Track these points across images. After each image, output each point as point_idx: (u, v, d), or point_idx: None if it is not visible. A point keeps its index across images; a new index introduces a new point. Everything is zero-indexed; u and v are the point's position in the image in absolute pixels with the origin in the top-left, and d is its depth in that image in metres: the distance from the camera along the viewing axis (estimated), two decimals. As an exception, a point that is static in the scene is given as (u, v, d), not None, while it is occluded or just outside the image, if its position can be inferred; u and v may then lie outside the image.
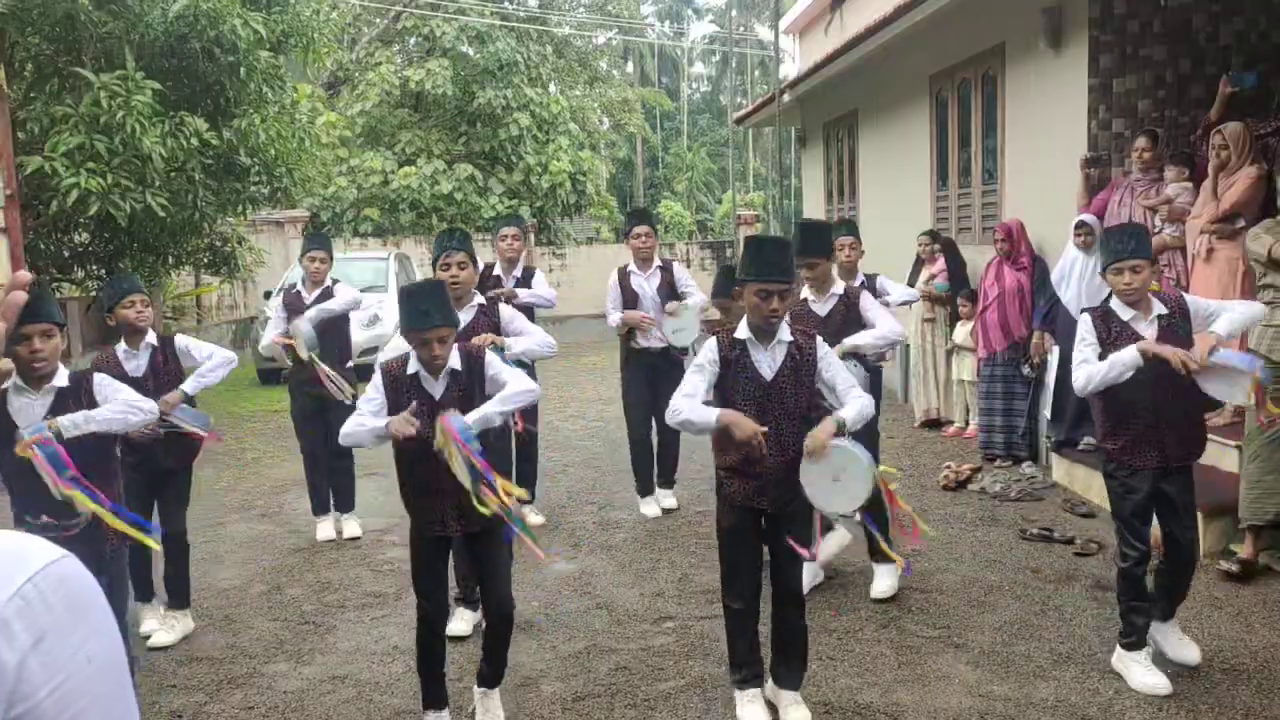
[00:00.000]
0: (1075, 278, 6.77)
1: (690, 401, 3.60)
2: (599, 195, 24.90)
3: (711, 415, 3.55)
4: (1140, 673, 3.97)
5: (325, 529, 6.34)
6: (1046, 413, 7.17)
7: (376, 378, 3.69)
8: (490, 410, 3.55)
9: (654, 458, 6.75)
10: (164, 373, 4.66)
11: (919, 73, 9.65)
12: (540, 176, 21.74)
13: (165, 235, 11.09)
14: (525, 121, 21.50)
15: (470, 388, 3.67)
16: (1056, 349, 7.02)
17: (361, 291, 14.79)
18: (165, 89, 9.66)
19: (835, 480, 3.58)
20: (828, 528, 5.05)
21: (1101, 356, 3.85)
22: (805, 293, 4.93)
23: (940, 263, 8.60)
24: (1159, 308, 3.89)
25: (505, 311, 5.08)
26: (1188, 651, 4.08)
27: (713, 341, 3.68)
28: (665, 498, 6.74)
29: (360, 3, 23.50)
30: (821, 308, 4.88)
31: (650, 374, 6.51)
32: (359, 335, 13.64)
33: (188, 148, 9.58)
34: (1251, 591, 4.91)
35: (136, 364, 4.61)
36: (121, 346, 4.66)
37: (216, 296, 17.80)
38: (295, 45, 11.19)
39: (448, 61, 21.37)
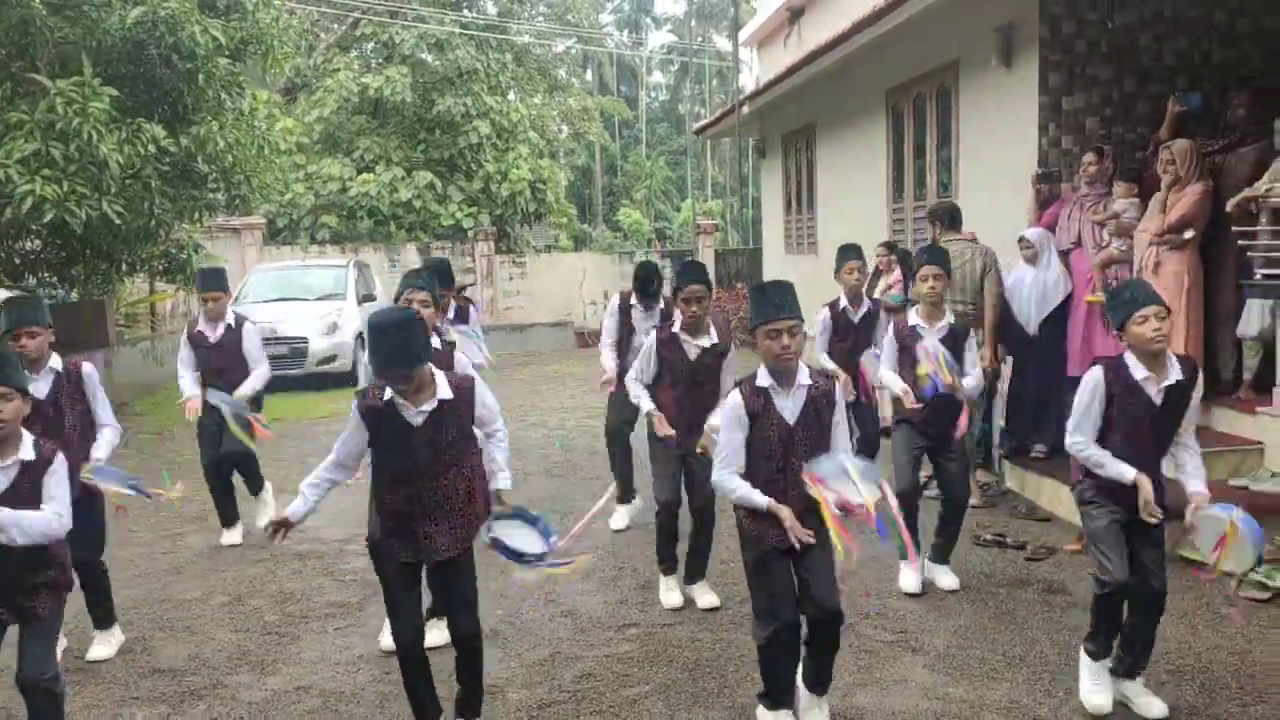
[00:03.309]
0: (1025, 291, 6.94)
1: (739, 481, 3.67)
2: (558, 203, 24.93)
3: (761, 501, 3.63)
4: (1088, 685, 4.00)
5: (232, 535, 6.56)
6: (1000, 422, 7.33)
7: (353, 413, 3.62)
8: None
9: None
10: (67, 399, 4.54)
11: (876, 86, 9.83)
12: (500, 184, 21.73)
13: (120, 242, 10.96)
14: (485, 129, 21.49)
15: (452, 420, 3.64)
16: (1010, 359, 7.18)
17: (320, 300, 14.76)
18: (123, 95, 9.57)
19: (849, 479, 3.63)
20: None
21: (1108, 411, 3.81)
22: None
23: (897, 273, 8.75)
24: (1175, 373, 3.79)
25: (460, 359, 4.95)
26: (1154, 708, 3.90)
27: (736, 396, 3.70)
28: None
29: (318, 9, 23.36)
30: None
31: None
32: (318, 343, 13.69)
33: (145, 154, 9.51)
34: (1195, 595, 5.07)
35: (40, 388, 4.45)
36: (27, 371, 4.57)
37: (170, 304, 17.59)
38: (254, 52, 11.14)
39: (407, 69, 21.31)
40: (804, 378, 3.70)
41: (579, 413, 11.07)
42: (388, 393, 3.56)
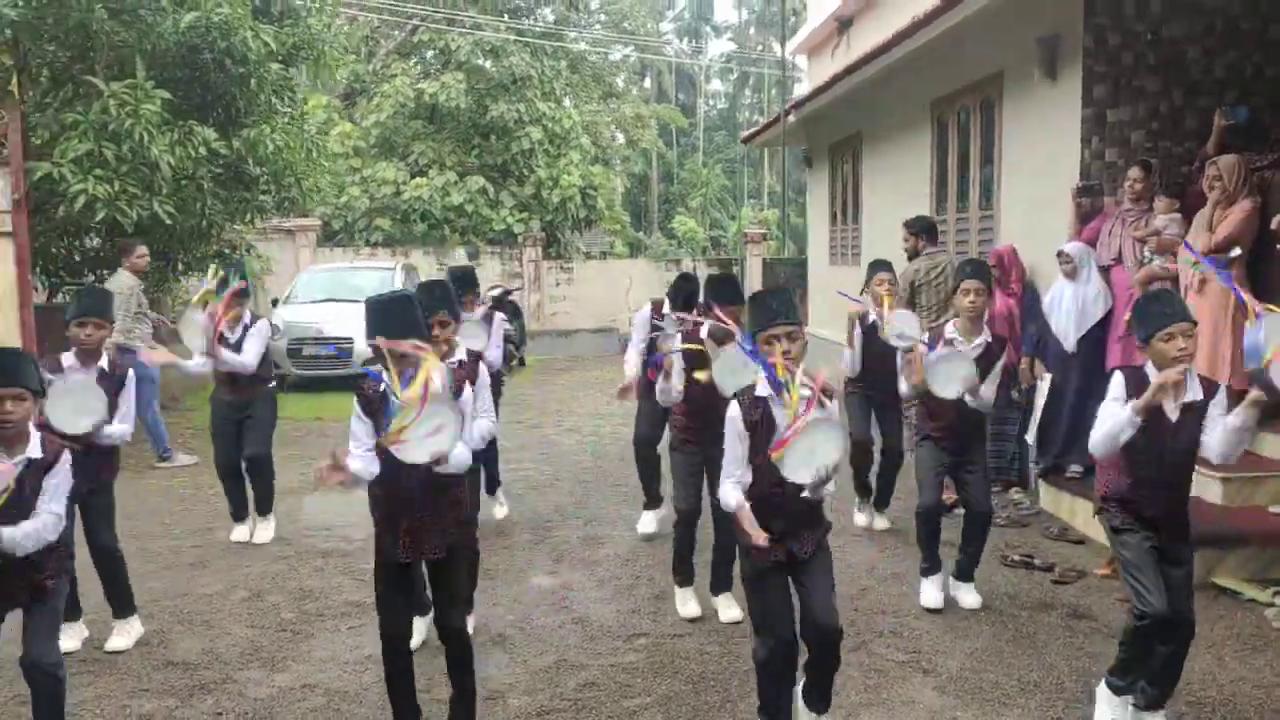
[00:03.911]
0: (1064, 306, 6.80)
1: (730, 489, 3.60)
2: (610, 210, 25.01)
3: (734, 501, 3.58)
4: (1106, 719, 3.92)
5: (240, 532, 6.64)
6: (1031, 439, 7.17)
7: (355, 405, 3.68)
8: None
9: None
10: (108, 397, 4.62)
11: (921, 98, 9.71)
12: (551, 190, 21.85)
13: (174, 242, 11.21)
14: (537, 135, 21.64)
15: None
16: (1047, 375, 7.03)
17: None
18: (176, 98, 9.80)
19: (811, 453, 3.55)
20: None
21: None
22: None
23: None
24: (1194, 391, 3.70)
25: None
26: None
27: (735, 409, 3.63)
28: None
29: (378, 16, 23.73)
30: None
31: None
32: (362, 344, 13.81)
33: (196, 156, 9.72)
34: (1225, 625, 4.91)
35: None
36: (70, 358, 4.69)
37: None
38: (305, 58, 11.34)
39: (462, 75, 21.54)
40: (803, 390, 3.61)
41: (614, 419, 11.07)
42: (383, 386, 3.61)
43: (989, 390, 5.09)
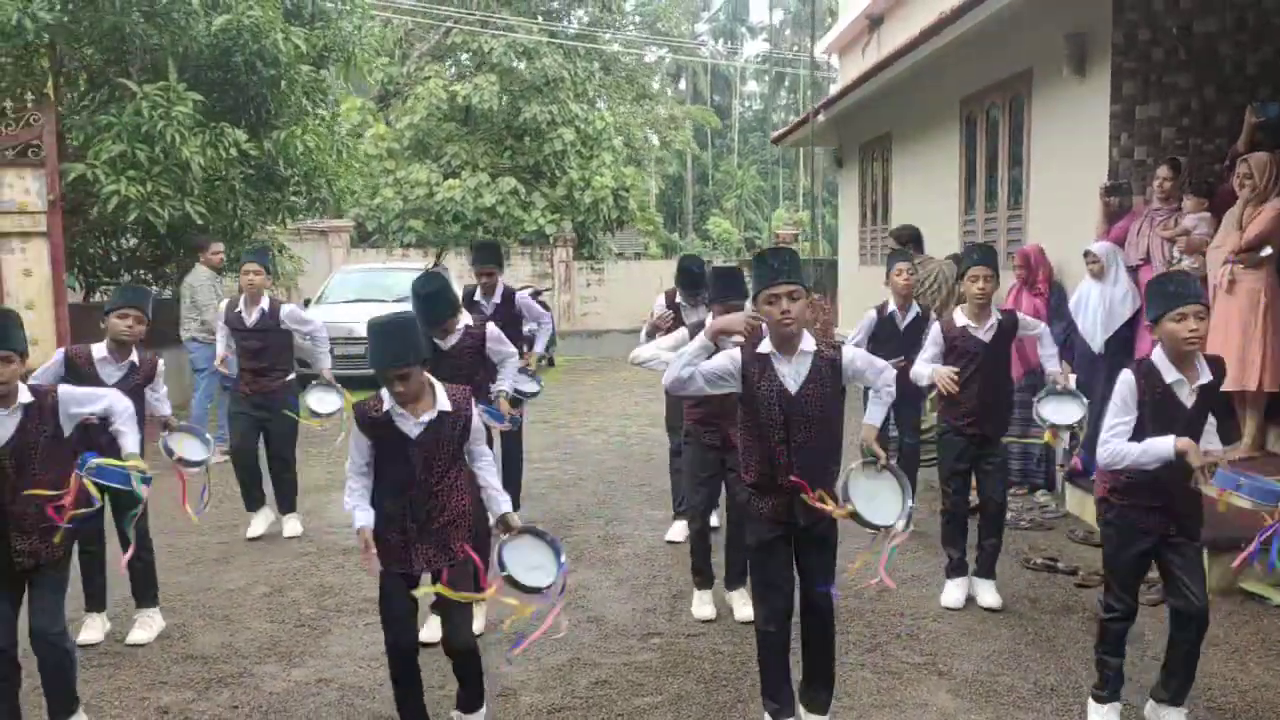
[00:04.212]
0: (1091, 306, 6.71)
1: (678, 360, 3.62)
2: (642, 211, 25.04)
3: (681, 358, 3.60)
4: None
5: (257, 524, 6.65)
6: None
7: (354, 423, 3.66)
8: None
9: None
10: (132, 394, 4.66)
11: (950, 96, 9.63)
12: (583, 191, 21.92)
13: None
14: (569, 136, 21.71)
15: (449, 433, 3.63)
16: (1073, 377, 6.92)
17: (397, 301, 15.10)
18: (209, 100, 9.94)
19: (872, 499, 3.58)
20: None
21: (1139, 420, 3.63)
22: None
23: (964, 287, 8.55)
24: (1205, 374, 3.65)
25: (491, 331, 5.20)
26: None
27: (736, 352, 3.62)
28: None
29: (412, 19, 23.92)
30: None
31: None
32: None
33: (227, 157, 9.85)
34: (1251, 630, 4.81)
35: (111, 374, 4.72)
36: (102, 350, 4.76)
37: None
38: (336, 60, 11.45)
39: (495, 76, 21.66)
40: (808, 344, 3.59)
41: (641, 419, 11.07)
42: (386, 403, 3.58)
43: (1051, 362, 5.40)
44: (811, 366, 3.58)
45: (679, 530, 6.51)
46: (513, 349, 5.45)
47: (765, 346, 3.60)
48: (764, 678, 3.79)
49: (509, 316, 6.45)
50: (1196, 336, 3.55)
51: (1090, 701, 3.96)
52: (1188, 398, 3.64)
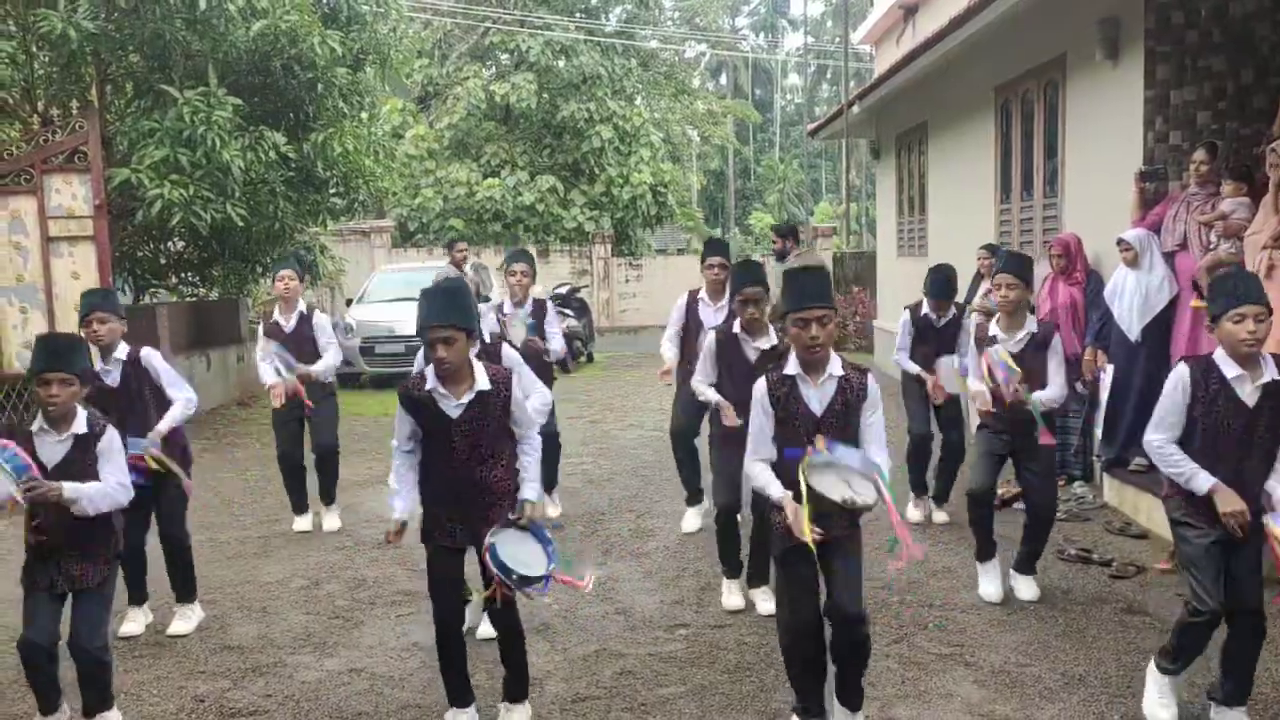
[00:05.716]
0: (1127, 294, 6.61)
1: (764, 470, 3.65)
2: (683, 207, 25.04)
3: (777, 493, 3.58)
4: (1154, 697, 3.83)
5: (302, 522, 6.82)
6: (1098, 432, 6.98)
7: (398, 401, 3.78)
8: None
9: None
10: (133, 386, 4.84)
11: (984, 84, 9.53)
12: (621, 188, 21.96)
13: (251, 244, 11.59)
14: (607, 134, 21.78)
15: (489, 413, 3.72)
16: (1110, 366, 6.84)
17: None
18: (249, 104, 10.12)
19: (847, 485, 3.56)
20: None
21: (1191, 410, 3.60)
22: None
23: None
24: (1271, 372, 3.54)
25: (508, 353, 5.14)
26: None
27: (762, 384, 3.66)
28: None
29: (451, 20, 24.12)
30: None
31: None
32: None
33: (266, 160, 10.02)
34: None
35: (110, 377, 4.81)
36: (99, 362, 4.79)
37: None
38: (372, 62, 11.59)
39: (533, 75, 21.78)
40: (836, 369, 3.61)
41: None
42: (429, 383, 3.68)
43: (1054, 391, 4.96)
44: (836, 390, 3.60)
45: (692, 519, 6.59)
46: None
47: (792, 368, 3.63)
48: (794, 689, 3.78)
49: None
50: (1255, 339, 3.48)
51: (1153, 666, 3.85)
52: (1249, 395, 3.56)
